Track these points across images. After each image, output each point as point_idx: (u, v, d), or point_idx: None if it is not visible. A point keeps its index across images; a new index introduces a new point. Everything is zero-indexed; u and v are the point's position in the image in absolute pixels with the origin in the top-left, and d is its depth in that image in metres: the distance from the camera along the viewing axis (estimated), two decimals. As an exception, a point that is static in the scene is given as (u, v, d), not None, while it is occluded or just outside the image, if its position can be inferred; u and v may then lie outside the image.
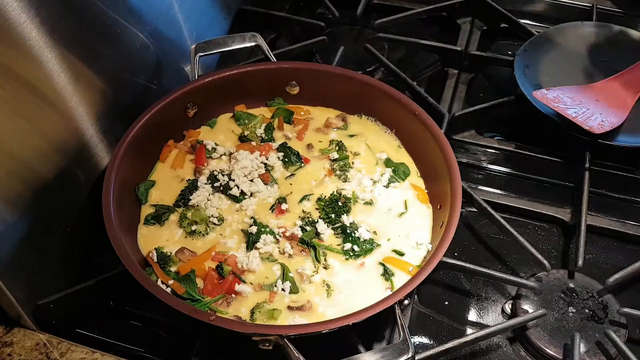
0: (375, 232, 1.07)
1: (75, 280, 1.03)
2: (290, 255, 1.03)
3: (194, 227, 1.06)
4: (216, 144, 1.19)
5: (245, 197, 1.11)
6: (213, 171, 1.14)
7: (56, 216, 1.02)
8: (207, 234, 1.06)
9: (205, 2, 1.42)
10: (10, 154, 0.90)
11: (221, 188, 1.12)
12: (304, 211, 1.10)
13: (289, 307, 0.96)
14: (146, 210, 1.09)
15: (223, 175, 1.13)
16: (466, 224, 1.20)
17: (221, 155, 1.18)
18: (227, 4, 1.51)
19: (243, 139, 1.21)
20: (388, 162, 1.17)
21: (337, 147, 1.19)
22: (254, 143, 1.20)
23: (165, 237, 1.06)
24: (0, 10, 0.84)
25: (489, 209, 1.13)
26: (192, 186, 1.12)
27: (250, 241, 1.03)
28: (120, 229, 0.98)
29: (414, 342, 1.01)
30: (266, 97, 1.28)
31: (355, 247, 1.03)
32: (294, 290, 0.98)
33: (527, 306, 1.03)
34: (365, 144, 1.21)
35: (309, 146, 1.21)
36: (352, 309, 0.91)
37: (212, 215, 1.07)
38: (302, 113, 1.26)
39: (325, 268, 1.02)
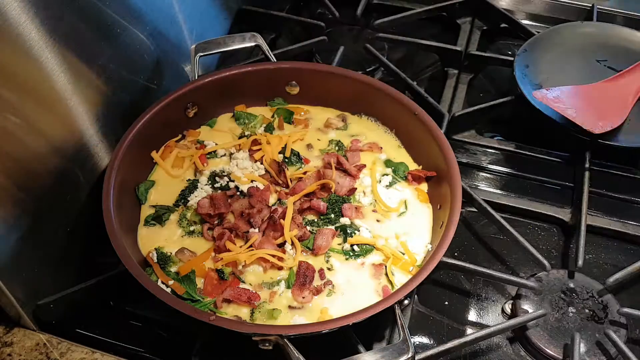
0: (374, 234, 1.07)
1: (75, 280, 1.03)
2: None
3: (192, 228, 1.06)
4: (216, 144, 1.18)
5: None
6: (214, 171, 1.14)
7: (56, 216, 1.02)
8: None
9: (206, 2, 1.42)
10: (10, 154, 0.90)
11: (221, 189, 1.12)
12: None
13: (290, 307, 0.96)
14: (146, 211, 1.09)
15: (222, 176, 1.13)
16: (466, 224, 1.20)
17: (221, 156, 1.18)
18: (227, 4, 1.51)
19: (243, 138, 1.21)
20: (388, 162, 1.17)
21: (336, 147, 1.19)
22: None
23: (164, 237, 1.06)
24: (0, 10, 0.84)
25: (489, 209, 1.13)
26: (192, 186, 1.12)
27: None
28: (120, 229, 0.97)
29: (414, 342, 1.01)
30: (266, 97, 1.28)
31: (356, 247, 1.03)
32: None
33: (527, 306, 1.03)
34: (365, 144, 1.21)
35: (309, 146, 1.21)
36: (352, 308, 0.91)
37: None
38: (302, 113, 1.26)
39: (329, 269, 1.02)
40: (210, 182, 1.13)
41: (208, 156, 1.17)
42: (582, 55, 1.42)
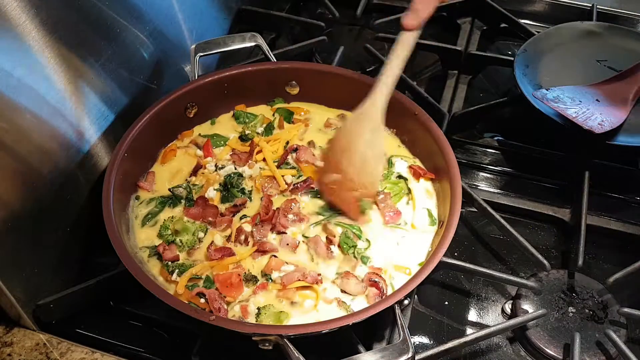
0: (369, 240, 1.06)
1: (75, 280, 1.03)
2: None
3: (173, 237, 1.04)
4: (216, 165, 1.16)
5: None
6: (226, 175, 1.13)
7: (56, 216, 1.02)
8: (191, 246, 1.03)
9: (205, 2, 1.42)
10: (9, 153, 0.90)
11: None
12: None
13: (293, 303, 0.96)
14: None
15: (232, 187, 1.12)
16: (466, 224, 1.20)
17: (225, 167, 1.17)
18: (227, 4, 1.51)
19: (244, 138, 1.21)
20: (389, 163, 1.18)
21: None
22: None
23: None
24: (0, 10, 0.84)
25: (489, 209, 1.13)
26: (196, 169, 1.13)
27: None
28: (120, 229, 0.98)
29: (414, 342, 1.01)
30: (266, 97, 1.28)
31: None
32: None
33: (527, 306, 1.03)
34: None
35: (310, 143, 1.20)
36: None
37: (197, 231, 1.04)
38: (302, 113, 1.27)
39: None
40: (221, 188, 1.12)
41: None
42: (582, 55, 1.42)
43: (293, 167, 1.15)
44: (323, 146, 1.20)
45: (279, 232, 1.05)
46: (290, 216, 1.06)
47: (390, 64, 1.07)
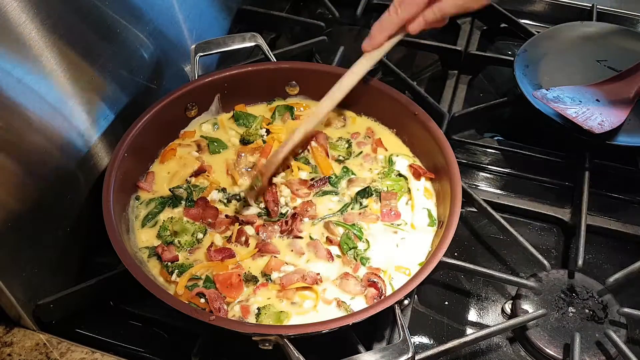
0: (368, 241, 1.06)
1: (75, 280, 1.03)
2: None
3: (171, 238, 1.03)
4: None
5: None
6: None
7: (56, 216, 1.02)
8: (190, 247, 1.03)
9: (205, 2, 1.42)
10: (9, 154, 0.90)
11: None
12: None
13: (293, 303, 0.96)
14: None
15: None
16: (466, 224, 1.20)
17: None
18: (227, 4, 1.51)
19: (245, 141, 1.20)
20: (390, 162, 1.18)
21: (347, 145, 1.19)
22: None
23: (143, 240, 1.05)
24: (0, 10, 0.84)
25: (489, 209, 1.13)
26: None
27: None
28: (120, 229, 0.98)
29: (414, 342, 1.01)
30: (266, 97, 1.28)
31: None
32: None
33: (527, 306, 1.03)
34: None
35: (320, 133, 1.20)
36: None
37: (196, 232, 1.04)
38: (302, 109, 1.26)
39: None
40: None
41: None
42: (582, 55, 1.42)
43: (306, 161, 1.16)
44: (332, 137, 1.20)
45: (295, 237, 1.04)
46: (306, 219, 1.07)
47: (343, 79, 1.11)
